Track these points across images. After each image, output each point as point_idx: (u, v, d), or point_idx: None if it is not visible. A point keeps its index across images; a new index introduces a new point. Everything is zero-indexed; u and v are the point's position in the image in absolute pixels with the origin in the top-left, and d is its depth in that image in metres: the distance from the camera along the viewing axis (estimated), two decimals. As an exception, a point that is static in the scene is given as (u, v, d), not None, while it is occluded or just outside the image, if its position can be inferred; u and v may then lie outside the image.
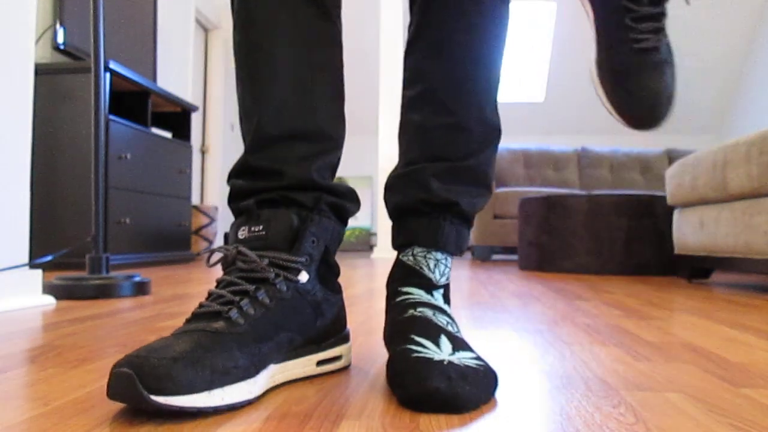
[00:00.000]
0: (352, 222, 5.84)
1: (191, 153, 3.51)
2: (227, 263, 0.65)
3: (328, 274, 0.69)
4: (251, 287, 0.60)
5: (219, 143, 5.17)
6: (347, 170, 6.02)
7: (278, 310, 0.62)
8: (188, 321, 0.60)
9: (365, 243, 5.76)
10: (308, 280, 0.65)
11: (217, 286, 0.63)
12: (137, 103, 3.06)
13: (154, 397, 0.48)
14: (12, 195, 1.38)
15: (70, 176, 2.59)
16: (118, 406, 0.55)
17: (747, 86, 4.99)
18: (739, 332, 1.05)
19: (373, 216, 5.89)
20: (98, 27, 1.63)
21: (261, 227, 0.65)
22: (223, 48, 5.27)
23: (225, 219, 5.43)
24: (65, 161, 2.60)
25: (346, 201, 0.72)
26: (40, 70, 2.60)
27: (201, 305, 0.61)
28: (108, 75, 2.64)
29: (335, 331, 0.69)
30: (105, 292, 1.51)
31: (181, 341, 0.54)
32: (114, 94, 3.03)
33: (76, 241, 2.54)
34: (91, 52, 1.64)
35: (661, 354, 0.84)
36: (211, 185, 5.13)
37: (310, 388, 0.63)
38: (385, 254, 4.52)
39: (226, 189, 5.45)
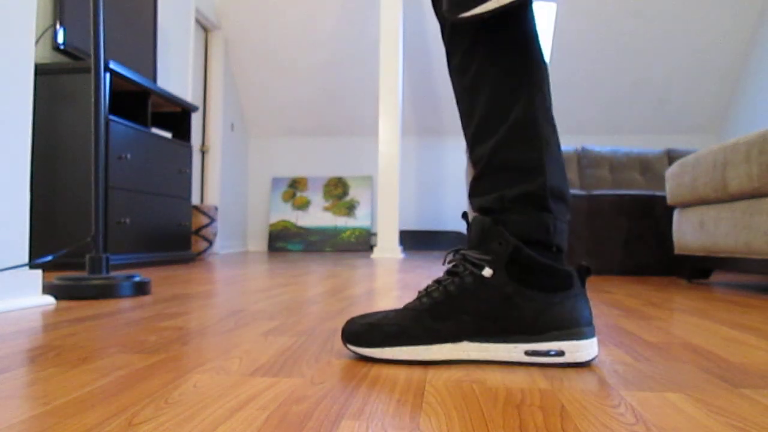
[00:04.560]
0: (351, 222, 5.84)
1: (191, 153, 3.50)
2: None
3: (523, 273, 0.76)
4: (446, 278, 0.78)
5: (219, 143, 5.17)
6: (347, 170, 6.02)
7: (460, 296, 0.76)
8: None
9: (365, 243, 5.76)
10: (493, 276, 0.75)
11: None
12: (137, 103, 3.06)
13: (349, 346, 0.78)
14: (12, 195, 1.38)
15: (70, 176, 2.59)
16: (118, 406, 0.55)
17: (747, 86, 4.99)
18: (739, 332, 1.05)
19: (373, 216, 5.89)
20: (98, 27, 1.63)
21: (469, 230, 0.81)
22: (223, 48, 5.27)
23: (225, 219, 5.42)
24: (65, 161, 2.60)
25: (528, 185, 0.78)
26: (40, 70, 2.60)
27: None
28: (108, 75, 2.64)
29: (555, 327, 0.75)
30: (105, 292, 1.50)
31: (380, 314, 0.79)
32: (114, 94, 3.03)
33: (76, 241, 2.54)
34: (91, 52, 1.63)
35: (661, 354, 0.84)
36: (211, 185, 5.12)
37: (310, 388, 0.63)
38: (385, 254, 4.52)
39: (226, 189, 5.45)
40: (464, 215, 0.82)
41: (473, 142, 0.84)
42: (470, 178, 3.35)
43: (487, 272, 0.75)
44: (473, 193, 0.84)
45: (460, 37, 0.83)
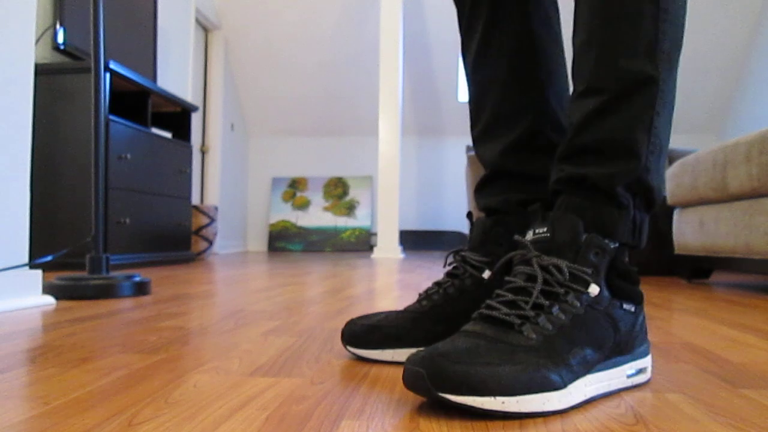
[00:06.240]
0: (351, 222, 5.84)
1: (191, 153, 3.50)
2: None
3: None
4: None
5: (219, 143, 5.17)
6: (347, 170, 6.02)
7: (460, 299, 0.71)
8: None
9: (365, 243, 5.76)
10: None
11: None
12: (137, 103, 3.06)
13: (349, 348, 0.71)
14: (12, 195, 1.38)
15: (70, 176, 2.59)
16: (118, 406, 0.55)
17: (747, 86, 4.99)
18: (739, 332, 1.05)
19: (373, 216, 5.89)
20: (98, 27, 1.63)
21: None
22: (223, 48, 5.27)
23: (225, 219, 5.42)
24: (65, 161, 2.60)
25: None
26: (40, 70, 2.60)
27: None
28: (108, 75, 2.64)
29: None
30: (105, 292, 1.50)
31: (380, 316, 0.74)
32: (114, 94, 3.02)
33: (76, 241, 2.54)
34: (91, 52, 1.63)
35: (661, 354, 0.84)
36: (211, 185, 5.12)
37: (311, 388, 0.63)
38: (385, 254, 4.52)
39: (226, 189, 5.45)
40: (469, 215, 0.81)
41: (479, 141, 0.83)
42: (471, 176, 3.32)
43: (487, 275, 0.75)
44: (480, 192, 0.83)
45: (475, 27, 0.82)
